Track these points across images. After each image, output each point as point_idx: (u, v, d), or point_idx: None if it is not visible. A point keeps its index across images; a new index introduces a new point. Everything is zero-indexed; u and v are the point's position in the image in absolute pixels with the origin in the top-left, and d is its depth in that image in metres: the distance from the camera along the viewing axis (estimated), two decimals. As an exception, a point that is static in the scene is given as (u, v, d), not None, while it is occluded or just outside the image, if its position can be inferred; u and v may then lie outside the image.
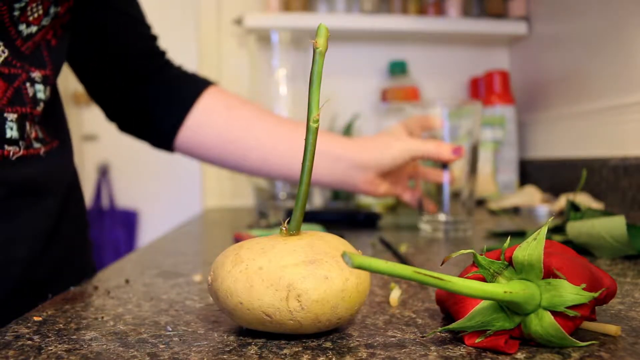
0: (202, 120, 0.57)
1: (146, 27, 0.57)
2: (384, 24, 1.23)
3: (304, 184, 0.29)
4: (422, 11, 1.27)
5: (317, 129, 0.28)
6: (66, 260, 0.49)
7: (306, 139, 0.28)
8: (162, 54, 0.59)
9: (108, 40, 0.54)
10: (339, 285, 0.26)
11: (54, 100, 0.48)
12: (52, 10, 0.43)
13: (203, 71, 1.29)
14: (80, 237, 0.53)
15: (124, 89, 0.56)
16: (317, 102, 0.28)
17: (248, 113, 0.58)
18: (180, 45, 1.68)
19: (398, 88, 1.25)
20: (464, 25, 1.25)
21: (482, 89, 1.24)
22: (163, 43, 0.60)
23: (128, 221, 1.86)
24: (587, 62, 1.01)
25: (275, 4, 1.21)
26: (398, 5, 1.27)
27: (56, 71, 0.46)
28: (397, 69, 1.26)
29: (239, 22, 1.22)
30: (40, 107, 0.44)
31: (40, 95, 0.43)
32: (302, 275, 0.26)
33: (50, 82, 0.44)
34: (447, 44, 1.34)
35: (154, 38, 0.58)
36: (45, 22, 0.43)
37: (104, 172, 1.88)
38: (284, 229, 0.29)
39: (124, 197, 1.88)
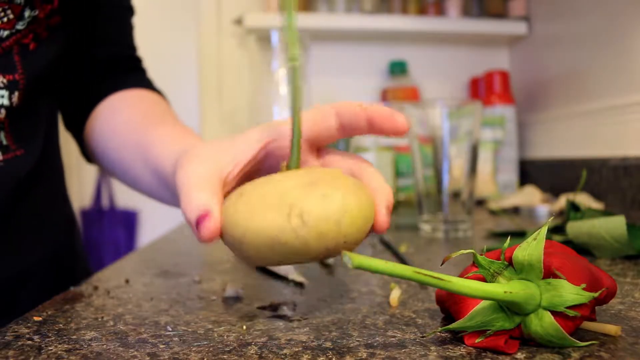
0: (90, 122, 0.53)
1: (131, 33, 0.56)
2: (384, 24, 1.23)
3: (297, 119, 0.30)
4: (422, 11, 1.27)
5: (298, 67, 0.30)
6: (41, 266, 0.49)
7: (292, 78, 0.30)
8: (137, 59, 0.57)
9: (95, 38, 0.53)
10: (339, 202, 0.27)
11: (32, 107, 0.46)
12: (27, 13, 0.42)
13: (203, 71, 1.29)
14: (64, 242, 0.53)
15: (81, 77, 0.54)
16: (294, 40, 0.30)
17: (124, 117, 0.50)
18: (180, 45, 1.68)
19: (398, 88, 1.25)
20: (464, 25, 1.25)
21: (482, 89, 1.24)
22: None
23: (128, 221, 1.86)
24: (587, 62, 1.01)
25: (275, 4, 1.21)
26: (398, 5, 1.27)
27: (31, 75, 0.44)
28: (397, 69, 1.26)
29: (239, 22, 1.22)
30: (2, 114, 0.42)
31: (4, 101, 0.42)
32: (302, 194, 0.27)
33: (19, 87, 0.43)
34: (447, 44, 1.34)
35: (132, 46, 0.57)
36: (20, 26, 0.42)
37: (104, 172, 1.88)
38: (284, 165, 0.31)
39: (124, 197, 1.88)
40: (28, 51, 0.44)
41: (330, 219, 0.26)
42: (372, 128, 0.32)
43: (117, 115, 0.49)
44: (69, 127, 0.56)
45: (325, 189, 0.27)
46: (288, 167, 0.31)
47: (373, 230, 0.30)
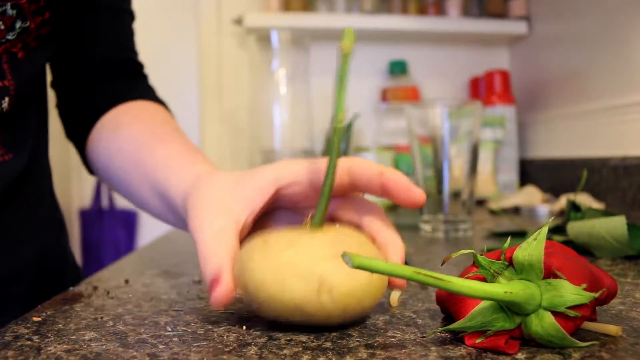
0: (93, 136, 0.52)
1: (131, 36, 0.56)
2: (384, 24, 1.23)
3: (329, 179, 0.30)
4: (422, 11, 1.27)
5: (341, 129, 0.30)
6: (30, 266, 0.48)
7: (332, 138, 0.30)
8: (138, 64, 0.57)
9: (98, 38, 0.52)
10: (365, 279, 0.27)
11: (21, 112, 0.46)
12: (17, 25, 0.42)
13: (203, 71, 1.29)
14: (52, 243, 0.53)
15: (86, 85, 0.53)
16: (343, 103, 0.29)
17: (128, 134, 0.48)
18: (180, 45, 1.68)
19: (398, 88, 1.25)
20: (464, 25, 1.25)
21: (482, 88, 1.24)
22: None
23: (128, 221, 1.86)
24: (587, 62, 1.01)
25: (275, 3, 1.21)
26: (398, 5, 1.27)
27: (20, 83, 0.44)
28: (397, 68, 1.26)
29: (239, 22, 1.22)
30: None
31: None
32: (332, 268, 0.27)
33: (10, 93, 0.43)
34: (447, 43, 1.34)
35: (134, 51, 0.56)
36: (10, 36, 0.42)
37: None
38: (308, 223, 0.31)
39: (124, 197, 1.88)
40: (17, 59, 0.44)
41: (355, 295, 0.27)
42: (386, 195, 0.32)
43: (122, 131, 0.49)
44: (70, 137, 0.56)
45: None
46: (312, 224, 0.30)
47: (392, 286, 0.31)
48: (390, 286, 0.31)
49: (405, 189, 0.31)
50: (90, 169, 0.55)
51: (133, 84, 0.55)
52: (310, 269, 0.27)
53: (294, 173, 0.33)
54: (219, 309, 0.30)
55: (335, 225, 0.32)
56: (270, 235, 0.30)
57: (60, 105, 0.55)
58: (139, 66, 0.57)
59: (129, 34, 0.56)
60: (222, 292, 0.29)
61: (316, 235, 0.29)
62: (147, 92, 0.55)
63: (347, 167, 0.32)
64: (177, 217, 0.40)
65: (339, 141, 0.30)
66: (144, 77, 0.57)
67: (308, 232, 0.30)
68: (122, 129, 0.49)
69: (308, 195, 0.34)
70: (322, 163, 0.32)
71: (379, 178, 0.31)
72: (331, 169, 0.30)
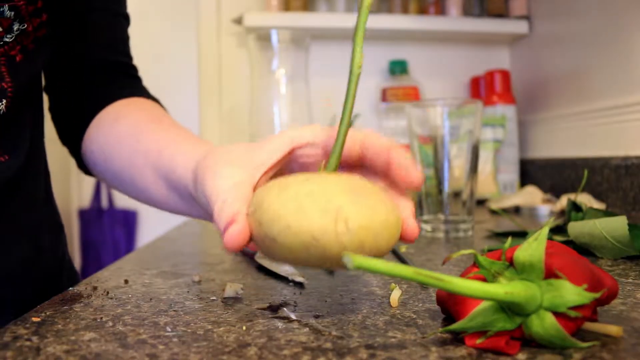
0: (91, 131, 0.52)
1: (126, 39, 0.56)
2: (384, 24, 1.23)
3: (344, 125, 0.31)
4: (422, 10, 1.27)
5: (359, 74, 0.30)
6: (25, 267, 0.48)
7: (349, 84, 0.31)
8: (133, 68, 0.57)
9: (89, 40, 0.52)
10: (382, 216, 0.27)
11: (18, 114, 0.46)
12: (15, 27, 0.42)
13: (203, 71, 1.29)
14: (47, 245, 0.53)
15: (81, 87, 0.54)
16: (361, 49, 0.30)
17: (129, 122, 0.48)
18: (180, 45, 1.68)
19: (398, 87, 1.25)
20: (465, 24, 1.25)
21: (482, 88, 1.24)
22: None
23: (127, 221, 1.86)
24: (588, 61, 1.01)
25: (275, 3, 1.21)
26: (398, 5, 1.27)
27: (18, 85, 0.44)
28: (398, 68, 1.25)
29: (238, 21, 1.22)
30: None
31: None
32: (350, 201, 0.27)
33: (7, 95, 0.43)
34: (447, 43, 1.33)
35: (129, 55, 0.57)
36: (7, 39, 0.42)
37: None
38: (322, 168, 0.31)
39: (123, 196, 1.88)
40: (15, 62, 0.44)
41: (371, 230, 0.27)
42: (387, 170, 0.32)
43: (122, 121, 0.49)
44: (64, 139, 0.56)
45: (371, 201, 0.28)
46: (326, 170, 0.31)
47: (404, 240, 0.31)
48: (401, 239, 0.31)
49: (404, 168, 0.32)
50: (86, 169, 0.55)
51: (128, 84, 0.55)
52: (328, 199, 0.27)
53: (310, 134, 0.34)
54: (231, 250, 0.29)
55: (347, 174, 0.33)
56: (284, 177, 0.30)
57: (54, 109, 0.55)
58: (133, 69, 0.57)
59: (124, 38, 0.56)
60: (237, 229, 0.29)
61: (331, 175, 0.29)
62: (142, 91, 0.55)
63: (361, 138, 0.33)
64: (183, 197, 0.40)
65: (355, 87, 0.30)
66: (138, 79, 0.57)
67: (323, 174, 0.30)
68: (121, 119, 0.49)
69: (321, 160, 0.34)
70: (336, 129, 0.33)
71: (386, 152, 0.32)
72: (346, 115, 0.30)
